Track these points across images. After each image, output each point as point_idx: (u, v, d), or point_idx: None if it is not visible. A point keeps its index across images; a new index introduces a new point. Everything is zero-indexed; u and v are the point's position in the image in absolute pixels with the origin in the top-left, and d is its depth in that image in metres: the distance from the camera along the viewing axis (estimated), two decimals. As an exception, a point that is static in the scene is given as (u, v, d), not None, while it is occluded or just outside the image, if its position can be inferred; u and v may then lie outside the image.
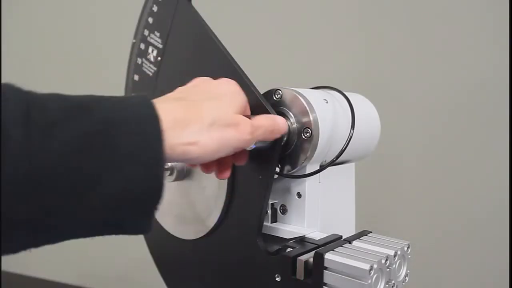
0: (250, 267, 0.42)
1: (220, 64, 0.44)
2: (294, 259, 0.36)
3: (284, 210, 0.44)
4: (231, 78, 0.42)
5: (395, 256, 0.37)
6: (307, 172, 0.42)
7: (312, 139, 0.40)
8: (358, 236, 0.41)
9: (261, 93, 0.42)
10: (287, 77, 0.91)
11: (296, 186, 0.43)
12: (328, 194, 0.45)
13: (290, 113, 0.42)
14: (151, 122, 0.28)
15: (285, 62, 0.93)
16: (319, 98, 0.43)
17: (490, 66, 0.79)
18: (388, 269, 0.36)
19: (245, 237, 0.42)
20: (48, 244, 0.26)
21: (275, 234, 0.44)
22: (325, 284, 0.35)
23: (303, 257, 0.36)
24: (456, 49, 0.81)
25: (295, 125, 0.41)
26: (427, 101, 0.84)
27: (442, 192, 0.84)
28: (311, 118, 0.40)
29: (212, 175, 0.40)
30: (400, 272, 0.38)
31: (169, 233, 0.50)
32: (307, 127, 0.41)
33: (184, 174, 0.47)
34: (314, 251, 0.36)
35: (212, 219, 0.45)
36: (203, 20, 0.46)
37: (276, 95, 0.43)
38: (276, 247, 0.42)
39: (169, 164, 0.46)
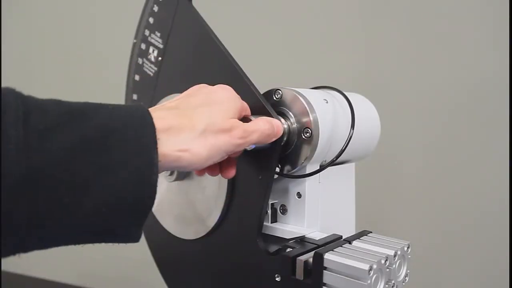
0: (250, 267, 0.42)
1: (221, 64, 0.44)
2: (294, 259, 0.36)
3: (284, 210, 0.44)
4: (231, 78, 0.43)
5: (395, 256, 0.37)
6: (307, 172, 0.42)
7: (312, 139, 0.40)
8: (358, 236, 0.41)
9: (261, 93, 0.42)
10: (287, 77, 0.91)
11: (296, 186, 0.43)
12: (328, 194, 0.45)
13: (290, 113, 0.42)
14: (146, 131, 0.29)
15: (285, 62, 0.93)
16: (319, 98, 0.43)
17: (490, 66, 0.79)
18: (388, 269, 0.36)
19: (245, 237, 0.42)
20: (37, 249, 0.27)
21: (275, 234, 0.44)
22: (324, 284, 0.35)
23: (303, 257, 0.36)
24: (456, 49, 0.81)
25: (295, 125, 0.41)
26: (427, 101, 0.84)
27: (442, 192, 0.84)
28: (311, 118, 0.40)
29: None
30: (400, 272, 0.38)
31: (169, 233, 0.50)
32: (307, 127, 0.41)
33: (184, 174, 0.47)
34: (313, 251, 0.36)
35: (212, 219, 0.45)
36: (204, 20, 0.46)
37: (276, 95, 0.43)
38: (276, 247, 0.42)
39: None
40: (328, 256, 0.35)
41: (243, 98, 0.40)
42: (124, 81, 0.55)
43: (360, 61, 0.88)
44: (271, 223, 0.45)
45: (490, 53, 0.79)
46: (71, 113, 0.27)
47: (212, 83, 0.40)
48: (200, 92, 0.37)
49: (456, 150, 0.82)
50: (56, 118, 0.26)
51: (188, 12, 0.47)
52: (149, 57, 0.51)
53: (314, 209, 0.44)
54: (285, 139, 0.41)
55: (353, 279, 0.34)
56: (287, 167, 0.43)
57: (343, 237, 0.40)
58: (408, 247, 0.39)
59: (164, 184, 0.48)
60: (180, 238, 0.49)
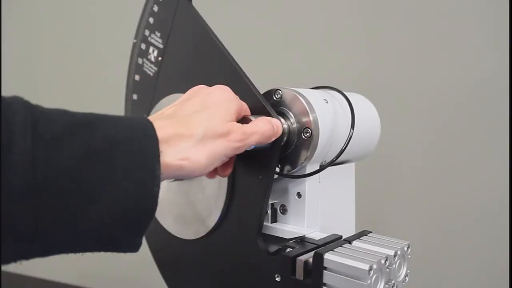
0: (250, 267, 0.42)
1: (221, 64, 0.44)
2: (293, 259, 0.36)
3: (284, 210, 0.44)
4: (231, 78, 0.43)
5: (395, 256, 0.37)
6: (307, 172, 0.42)
7: (312, 139, 0.40)
8: (358, 236, 0.41)
9: (261, 93, 0.42)
10: (287, 77, 0.91)
11: (296, 186, 0.43)
12: (328, 194, 0.45)
13: (290, 113, 0.42)
14: (149, 143, 0.29)
15: (285, 62, 0.93)
16: (319, 98, 0.43)
17: (490, 66, 0.79)
18: (388, 269, 0.36)
19: (245, 237, 0.42)
20: (38, 257, 0.27)
21: (275, 234, 0.44)
22: (324, 284, 0.35)
23: (303, 257, 0.36)
24: (456, 49, 0.81)
25: (295, 125, 0.41)
26: (427, 101, 0.84)
27: (442, 192, 0.84)
28: (311, 118, 0.40)
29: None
30: (400, 272, 0.38)
31: (169, 233, 0.50)
32: (307, 127, 0.41)
33: (184, 174, 0.47)
34: (313, 251, 0.36)
35: (212, 219, 0.45)
36: (204, 20, 0.46)
37: (276, 95, 0.43)
38: (276, 247, 0.42)
39: None
40: (328, 256, 0.35)
41: (243, 98, 0.40)
42: (124, 81, 0.55)
43: (360, 61, 0.88)
44: (271, 223, 0.45)
45: (490, 53, 0.79)
46: (78, 124, 0.27)
47: (212, 83, 0.40)
48: (197, 95, 0.37)
49: (456, 150, 0.82)
50: (62, 128, 0.26)
51: (188, 12, 0.47)
52: (149, 57, 0.51)
53: (314, 209, 0.44)
54: (285, 139, 0.41)
55: (353, 279, 0.34)
56: (287, 167, 0.43)
57: (343, 237, 0.40)
58: (408, 247, 0.39)
59: (164, 184, 0.48)
60: (180, 238, 0.49)
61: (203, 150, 0.33)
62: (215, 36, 0.45)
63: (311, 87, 0.48)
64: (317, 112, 0.41)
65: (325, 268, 0.35)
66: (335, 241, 0.40)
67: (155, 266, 0.54)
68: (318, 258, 0.35)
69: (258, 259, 0.41)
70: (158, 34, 0.50)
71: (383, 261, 0.35)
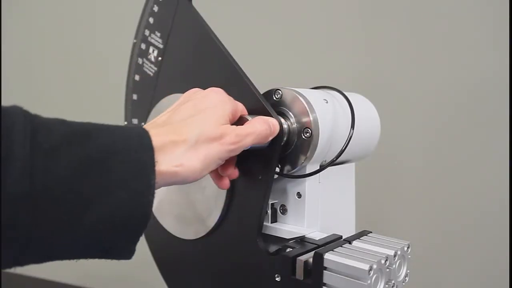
0: (250, 267, 0.42)
1: (220, 64, 0.44)
2: (294, 259, 0.36)
3: (284, 210, 0.44)
4: (231, 78, 0.43)
5: (395, 256, 0.37)
6: (307, 172, 0.42)
7: (312, 139, 0.40)
8: (358, 236, 0.41)
9: (261, 93, 0.42)
10: (287, 77, 0.91)
11: (296, 186, 0.43)
12: (328, 194, 0.45)
13: (290, 113, 0.42)
14: (145, 152, 0.30)
15: (285, 62, 0.93)
16: (319, 98, 0.43)
17: (490, 66, 0.79)
18: (388, 269, 0.36)
19: (245, 237, 0.42)
20: (32, 263, 0.27)
21: (275, 234, 0.44)
22: (324, 284, 0.35)
23: (303, 257, 0.36)
24: (456, 49, 0.81)
25: (295, 125, 0.41)
26: (427, 101, 0.84)
27: (442, 192, 0.84)
28: (311, 118, 0.40)
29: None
30: (400, 272, 0.38)
31: (169, 233, 0.50)
32: (307, 127, 0.41)
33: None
34: (313, 251, 0.36)
35: (212, 219, 0.45)
36: (204, 20, 0.46)
37: (276, 95, 0.43)
38: (276, 247, 0.42)
39: None
40: (328, 256, 0.35)
41: (243, 98, 0.40)
42: (124, 81, 0.55)
43: (360, 61, 0.88)
44: (271, 223, 0.45)
45: (490, 53, 0.79)
46: (75, 134, 0.27)
47: (212, 83, 0.41)
48: (191, 99, 0.37)
49: (456, 150, 0.82)
50: (60, 138, 0.27)
51: (188, 12, 0.47)
52: (149, 57, 0.51)
53: (314, 209, 0.44)
54: (285, 139, 0.41)
55: (353, 279, 0.34)
56: (287, 167, 0.43)
57: (343, 237, 0.40)
58: (408, 247, 0.39)
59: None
60: (180, 238, 0.49)
61: (197, 155, 0.33)
62: (215, 36, 0.45)
63: (311, 87, 0.48)
64: (317, 112, 0.41)
65: (325, 268, 0.35)
66: (335, 241, 0.40)
67: (155, 266, 0.54)
68: (318, 258, 0.35)
69: (258, 259, 0.41)
70: (158, 34, 0.50)
71: (383, 261, 0.35)
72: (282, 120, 0.41)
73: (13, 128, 0.25)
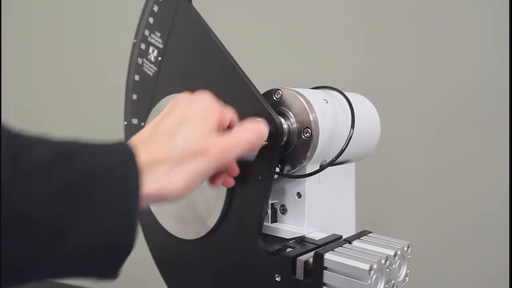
0: (250, 267, 0.42)
1: (220, 64, 0.44)
2: (294, 259, 0.36)
3: (284, 210, 0.44)
4: (231, 78, 0.42)
5: (395, 256, 0.37)
6: (307, 172, 0.42)
7: (312, 139, 0.40)
8: (358, 236, 0.41)
9: (261, 93, 0.42)
10: (287, 77, 0.91)
11: (296, 186, 0.43)
12: (328, 194, 0.45)
13: (290, 113, 0.42)
14: (132, 175, 0.28)
15: (285, 62, 0.93)
16: (319, 98, 0.43)
17: (490, 66, 0.79)
18: (388, 269, 0.36)
19: (245, 237, 0.42)
20: (13, 286, 0.26)
21: (275, 234, 0.44)
22: (324, 284, 0.35)
23: (303, 257, 0.36)
24: (456, 49, 0.81)
25: (295, 125, 0.41)
26: (427, 101, 0.84)
27: (442, 192, 0.84)
28: (311, 118, 0.40)
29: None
30: (400, 272, 0.38)
31: (169, 233, 0.50)
32: (307, 127, 0.41)
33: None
34: (314, 251, 0.36)
35: (212, 219, 0.45)
36: (204, 20, 0.46)
37: (276, 95, 0.43)
38: (276, 247, 0.42)
39: None
40: (328, 256, 0.35)
41: (243, 98, 0.40)
42: (123, 81, 0.55)
43: (360, 61, 0.88)
44: (271, 223, 0.45)
45: (490, 53, 0.79)
46: (57, 155, 0.26)
47: (212, 83, 0.40)
48: (176, 108, 0.35)
49: (456, 150, 0.82)
50: (42, 159, 0.26)
51: (188, 12, 0.47)
52: (149, 57, 0.51)
53: (314, 209, 0.44)
54: (285, 139, 0.41)
55: (353, 279, 0.34)
56: (287, 167, 0.43)
57: (343, 237, 0.40)
58: (408, 247, 0.39)
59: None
60: (180, 238, 0.49)
61: (181, 173, 0.31)
62: (215, 36, 0.45)
63: (311, 87, 0.48)
64: (317, 112, 0.41)
65: (325, 268, 0.35)
66: (335, 241, 0.40)
67: (155, 266, 0.54)
68: (319, 258, 0.35)
69: (258, 259, 0.41)
70: (158, 34, 0.50)
71: (383, 261, 0.35)
72: (282, 120, 0.41)
73: None
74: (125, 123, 0.55)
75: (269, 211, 0.44)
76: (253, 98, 0.40)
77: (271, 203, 0.45)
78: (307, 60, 0.92)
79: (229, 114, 0.37)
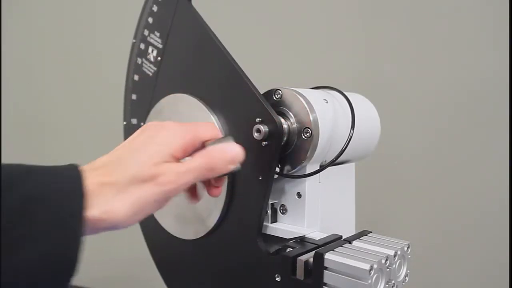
0: (250, 267, 0.42)
1: (220, 64, 0.44)
2: (294, 259, 0.36)
3: (284, 210, 0.44)
4: (231, 78, 0.42)
5: (395, 256, 0.37)
6: (307, 172, 0.42)
7: (312, 139, 0.40)
8: (358, 236, 0.41)
9: (261, 93, 0.42)
10: (287, 77, 0.91)
11: (296, 186, 0.43)
12: (328, 194, 0.45)
13: (290, 113, 0.42)
14: (75, 199, 0.28)
15: (285, 62, 0.93)
16: (319, 98, 0.43)
17: (490, 66, 0.79)
18: (388, 269, 0.36)
19: (245, 237, 0.42)
20: None
21: (275, 234, 0.44)
22: (325, 284, 0.35)
23: (303, 257, 0.36)
24: (456, 49, 0.81)
25: (295, 125, 0.41)
26: (427, 101, 0.84)
27: (442, 192, 0.84)
28: (311, 118, 0.40)
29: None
30: (400, 272, 0.38)
31: (169, 233, 0.50)
32: (307, 127, 0.41)
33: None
34: (314, 251, 0.36)
35: (212, 219, 0.45)
36: (203, 20, 0.46)
37: (276, 95, 0.43)
38: (276, 247, 0.42)
39: None
40: (328, 256, 0.35)
41: (243, 98, 0.40)
42: (123, 81, 0.55)
43: (360, 61, 0.88)
44: (271, 223, 0.45)
45: (490, 53, 0.79)
46: (5, 181, 0.27)
47: (212, 83, 0.40)
48: (137, 138, 0.34)
49: (456, 150, 0.82)
50: None
51: (187, 12, 0.47)
52: (148, 57, 0.51)
53: (314, 209, 0.44)
54: (285, 139, 0.41)
55: (353, 279, 0.34)
56: (287, 167, 0.43)
57: (343, 237, 0.40)
58: (408, 247, 0.39)
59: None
60: (180, 238, 0.49)
61: (127, 198, 0.30)
62: (215, 36, 0.45)
63: (311, 87, 0.48)
64: (317, 112, 0.41)
65: (326, 268, 0.35)
66: (335, 241, 0.40)
67: (155, 266, 0.54)
68: (319, 258, 0.35)
69: (258, 259, 0.41)
70: (158, 34, 0.50)
71: (383, 261, 0.35)
72: (282, 120, 0.41)
73: None
74: (125, 123, 0.55)
75: (269, 211, 0.44)
76: (253, 98, 0.40)
77: (271, 203, 0.44)
78: (307, 60, 0.92)
79: (207, 133, 0.36)
